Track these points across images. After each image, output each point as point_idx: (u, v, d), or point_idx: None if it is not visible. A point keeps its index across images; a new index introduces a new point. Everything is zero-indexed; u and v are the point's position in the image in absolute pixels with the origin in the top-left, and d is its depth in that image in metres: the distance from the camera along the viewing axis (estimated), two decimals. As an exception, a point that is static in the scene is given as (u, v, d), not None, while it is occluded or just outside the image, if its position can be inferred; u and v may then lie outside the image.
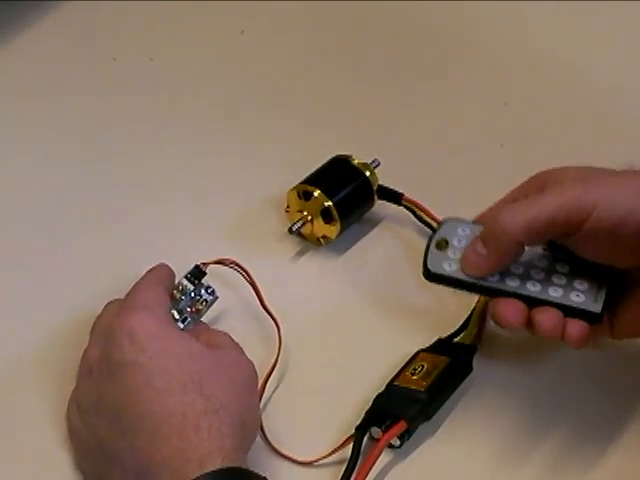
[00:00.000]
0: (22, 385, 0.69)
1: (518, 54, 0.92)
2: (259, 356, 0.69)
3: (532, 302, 0.64)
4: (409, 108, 0.88)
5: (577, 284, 0.64)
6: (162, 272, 0.70)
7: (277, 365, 0.70)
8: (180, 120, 0.86)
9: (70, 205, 0.80)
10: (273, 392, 0.70)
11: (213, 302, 0.71)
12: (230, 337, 0.68)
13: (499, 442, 0.68)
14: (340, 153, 0.79)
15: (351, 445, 0.66)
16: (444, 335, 0.72)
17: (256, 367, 0.67)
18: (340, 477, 0.64)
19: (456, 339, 0.72)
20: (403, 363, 0.70)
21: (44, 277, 0.75)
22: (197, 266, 0.71)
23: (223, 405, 0.62)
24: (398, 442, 0.67)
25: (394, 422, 0.66)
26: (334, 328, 0.74)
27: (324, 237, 0.77)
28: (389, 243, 0.79)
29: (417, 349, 0.71)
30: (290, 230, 0.77)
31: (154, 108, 0.87)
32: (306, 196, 0.77)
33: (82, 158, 0.83)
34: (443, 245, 0.66)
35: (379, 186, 0.79)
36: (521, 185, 0.67)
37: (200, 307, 0.70)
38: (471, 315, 0.72)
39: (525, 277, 0.65)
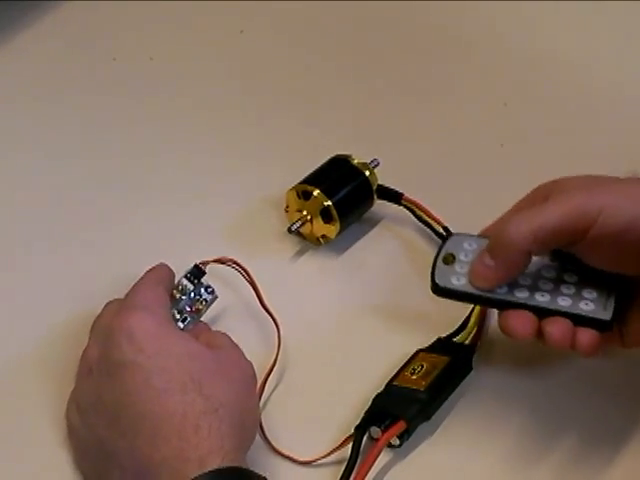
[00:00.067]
0: (22, 385, 0.69)
1: (518, 54, 0.92)
2: (258, 355, 0.69)
3: (541, 313, 0.64)
4: (409, 108, 0.88)
5: (586, 293, 0.65)
6: (162, 272, 0.70)
7: (276, 364, 0.70)
8: (180, 120, 0.86)
9: (70, 205, 0.80)
10: (272, 392, 0.70)
11: (213, 302, 0.71)
12: (230, 338, 0.68)
13: (498, 442, 0.68)
14: (339, 153, 0.79)
15: (350, 445, 0.66)
16: (443, 335, 0.72)
17: (255, 366, 0.67)
18: (339, 477, 0.64)
19: (455, 339, 0.72)
20: (402, 363, 0.70)
21: (44, 277, 0.76)
22: (196, 265, 0.71)
23: (223, 405, 0.62)
24: (397, 442, 0.67)
25: (393, 422, 0.66)
26: (333, 328, 0.74)
27: (323, 237, 0.78)
28: (389, 243, 0.79)
29: (416, 349, 0.71)
30: (289, 230, 0.77)
31: (154, 108, 0.87)
32: (305, 196, 0.77)
33: (82, 158, 0.83)
34: (450, 260, 0.67)
35: (379, 186, 0.79)
36: (526, 196, 0.67)
37: (200, 307, 0.70)
38: (470, 315, 0.72)
39: (533, 288, 0.65)
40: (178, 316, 0.69)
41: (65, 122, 0.86)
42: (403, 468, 0.67)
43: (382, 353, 0.71)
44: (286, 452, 0.67)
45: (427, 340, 0.72)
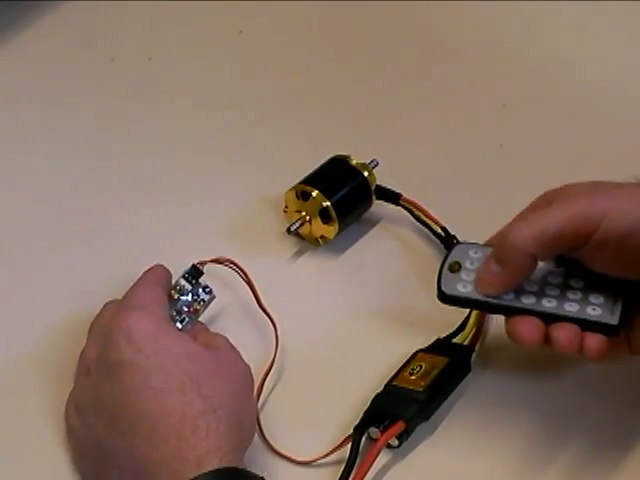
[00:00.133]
0: (20, 385, 0.69)
1: (518, 54, 0.92)
2: (256, 356, 0.69)
3: (549, 318, 0.64)
4: (407, 108, 0.88)
5: (592, 298, 0.65)
6: (159, 272, 0.70)
7: (274, 365, 0.70)
8: (179, 120, 0.86)
9: (69, 205, 0.80)
10: (271, 392, 0.70)
11: (210, 302, 0.71)
12: (228, 340, 0.68)
13: (497, 442, 0.68)
14: (338, 153, 0.79)
15: (349, 445, 0.66)
16: (442, 335, 0.72)
17: (253, 367, 0.67)
18: (338, 477, 0.64)
19: (454, 339, 0.72)
20: (401, 363, 0.70)
21: (43, 277, 0.76)
22: (194, 265, 0.71)
23: (221, 405, 0.62)
24: (396, 442, 0.67)
25: (392, 422, 0.66)
26: (332, 328, 0.74)
27: (322, 237, 0.78)
28: (387, 243, 0.79)
29: (415, 349, 0.71)
30: (288, 230, 0.77)
31: (153, 108, 0.87)
32: (304, 196, 0.77)
33: (81, 158, 0.83)
34: (456, 268, 0.67)
35: (377, 186, 0.79)
36: (530, 204, 0.67)
37: (198, 307, 0.70)
38: (469, 316, 0.72)
39: (540, 294, 0.65)
40: (176, 316, 0.70)
41: (65, 122, 0.86)
42: (402, 468, 0.67)
43: (381, 353, 0.71)
44: (285, 452, 0.67)
45: (426, 340, 0.72)
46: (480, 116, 0.88)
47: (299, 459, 0.66)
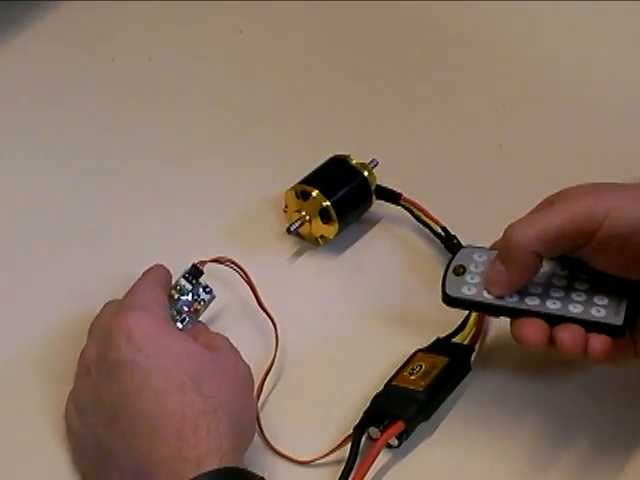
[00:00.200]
0: (20, 385, 0.69)
1: (517, 54, 0.92)
2: (256, 355, 0.69)
3: (553, 320, 0.64)
4: (407, 108, 0.88)
5: (597, 299, 0.65)
6: (159, 272, 0.70)
7: (274, 365, 0.70)
8: (178, 120, 0.86)
9: (69, 205, 0.80)
10: (271, 392, 0.70)
11: (211, 302, 0.71)
12: (228, 340, 0.68)
13: (497, 442, 0.68)
14: (338, 153, 0.79)
15: (349, 445, 0.66)
16: (442, 335, 0.72)
17: (253, 367, 0.67)
18: (338, 477, 0.64)
19: (454, 339, 0.72)
20: (401, 363, 0.70)
21: (43, 277, 0.76)
22: (194, 265, 0.71)
23: (221, 405, 0.62)
24: (396, 442, 0.67)
25: (392, 422, 0.66)
26: (332, 328, 0.74)
27: (322, 237, 0.78)
28: (387, 243, 0.79)
29: (415, 349, 0.71)
30: (288, 230, 0.77)
31: (153, 108, 0.87)
32: (304, 196, 0.77)
33: (81, 158, 0.83)
34: (460, 271, 0.67)
35: (377, 186, 0.79)
36: (533, 209, 0.67)
37: (198, 307, 0.70)
38: (469, 315, 0.72)
39: (544, 296, 0.65)
40: (177, 316, 0.70)
41: (64, 122, 0.86)
42: (402, 468, 0.67)
43: (381, 353, 0.71)
44: (285, 452, 0.67)
45: (426, 340, 0.72)
46: (480, 116, 0.88)
47: (299, 459, 0.66)
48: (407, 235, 0.79)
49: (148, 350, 0.63)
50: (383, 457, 0.66)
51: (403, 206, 0.79)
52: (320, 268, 0.77)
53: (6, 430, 0.67)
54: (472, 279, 0.67)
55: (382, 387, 0.69)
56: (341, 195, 0.77)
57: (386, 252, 0.78)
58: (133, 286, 0.68)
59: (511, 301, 0.65)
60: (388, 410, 0.67)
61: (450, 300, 0.67)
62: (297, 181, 0.78)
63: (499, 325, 0.72)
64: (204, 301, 0.71)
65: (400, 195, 0.79)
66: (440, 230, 0.77)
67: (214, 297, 0.71)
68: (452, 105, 0.88)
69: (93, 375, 0.64)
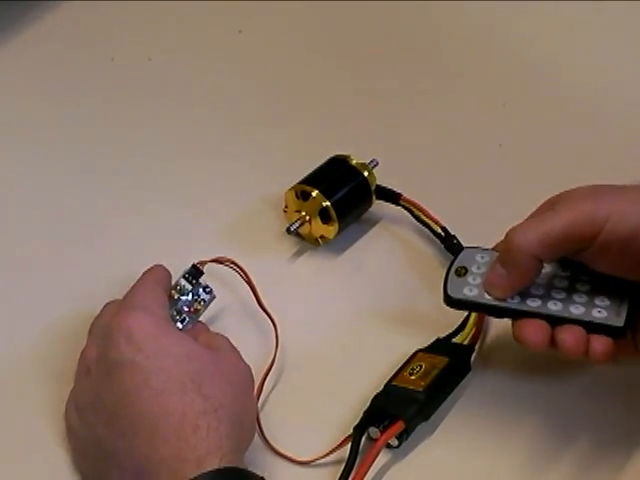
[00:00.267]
0: (20, 385, 0.69)
1: (517, 54, 0.92)
2: (256, 355, 0.69)
3: (554, 321, 0.64)
4: (407, 108, 0.88)
5: (598, 301, 0.65)
6: (159, 273, 0.70)
7: (274, 365, 0.70)
8: (178, 120, 0.86)
9: (69, 205, 0.80)
10: (271, 392, 0.70)
11: (211, 302, 0.71)
12: (228, 340, 0.68)
13: (497, 442, 0.68)
14: (338, 153, 0.79)
15: (349, 445, 0.66)
16: (442, 335, 0.72)
17: (253, 367, 0.67)
18: (338, 477, 0.64)
19: (454, 339, 0.72)
20: (401, 363, 0.70)
21: (43, 277, 0.76)
22: (194, 265, 0.71)
23: (222, 405, 0.62)
24: (396, 442, 0.67)
25: (392, 422, 0.66)
26: (332, 328, 0.74)
27: (322, 237, 0.78)
28: (387, 243, 0.79)
29: (415, 349, 0.71)
30: (288, 230, 0.77)
31: (153, 108, 0.87)
32: (304, 196, 0.77)
33: (81, 158, 0.84)
34: (462, 272, 0.67)
35: (377, 186, 0.79)
36: (534, 211, 0.67)
37: (198, 307, 0.70)
38: (469, 315, 0.72)
39: (546, 297, 0.65)
40: (177, 316, 0.70)
41: (64, 122, 0.86)
42: (402, 468, 0.67)
43: (381, 353, 0.71)
44: (285, 452, 0.67)
45: (426, 340, 0.72)
46: (480, 116, 0.88)
47: (299, 459, 0.66)
48: (407, 235, 0.79)
49: (148, 350, 0.63)
50: (383, 457, 0.66)
51: (403, 206, 0.79)
52: (320, 268, 0.77)
53: (6, 430, 0.67)
54: (474, 280, 0.67)
55: (382, 387, 0.69)
56: (341, 195, 0.77)
57: (386, 252, 0.78)
58: (133, 286, 0.68)
59: (513, 302, 0.65)
60: (388, 410, 0.67)
61: (452, 301, 0.67)
62: (297, 181, 0.78)
63: (499, 325, 0.72)
64: (204, 301, 0.71)
65: (400, 195, 0.79)
66: (440, 230, 0.77)
67: (214, 297, 0.71)
68: (452, 105, 0.88)
69: (93, 375, 0.64)
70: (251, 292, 0.72)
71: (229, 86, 0.89)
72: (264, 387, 0.69)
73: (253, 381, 0.67)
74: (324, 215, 0.76)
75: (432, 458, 0.67)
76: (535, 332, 0.64)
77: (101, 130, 0.85)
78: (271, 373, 0.69)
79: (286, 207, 0.78)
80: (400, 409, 0.67)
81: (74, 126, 0.86)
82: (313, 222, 0.77)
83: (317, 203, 0.76)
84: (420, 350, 0.71)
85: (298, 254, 0.78)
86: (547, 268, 0.66)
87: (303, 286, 0.76)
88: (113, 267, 0.75)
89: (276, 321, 0.71)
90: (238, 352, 0.67)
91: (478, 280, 0.67)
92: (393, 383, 0.69)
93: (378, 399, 0.68)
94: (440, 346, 0.71)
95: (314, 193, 0.76)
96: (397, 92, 0.89)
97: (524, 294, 0.65)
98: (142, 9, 0.94)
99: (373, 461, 0.65)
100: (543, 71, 0.91)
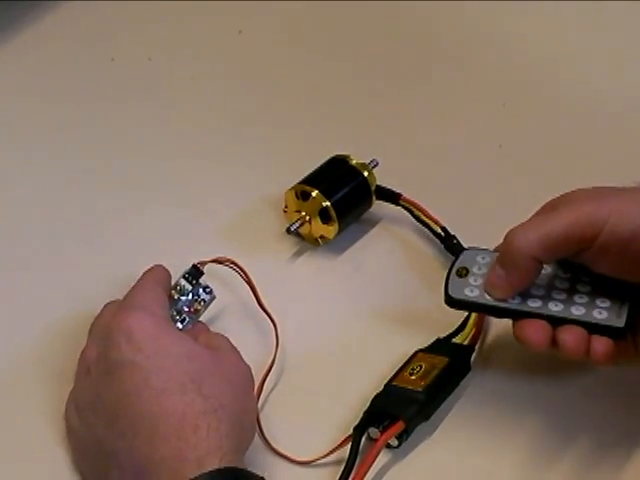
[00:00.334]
0: (20, 385, 0.69)
1: (517, 54, 0.92)
2: (256, 355, 0.69)
3: (555, 322, 0.64)
4: (407, 108, 0.88)
5: (599, 302, 0.65)
6: (159, 273, 0.70)
7: (274, 365, 0.70)
8: (178, 120, 0.86)
9: (69, 205, 0.80)
10: (271, 392, 0.70)
11: (211, 302, 0.71)
12: (229, 340, 0.68)
13: (497, 442, 0.68)
14: (338, 153, 0.79)
15: (349, 445, 0.66)
16: (442, 335, 0.72)
17: (253, 367, 0.67)
18: (338, 477, 0.64)
19: (454, 339, 0.72)
20: (401, 363, 0.70)
21: (43, 277, 0.76)
22: (195, 265, 0.71)
23: (222, 405, 0.62)
24: (396, 442, 0.67)
25: (392, 422, 0.66)
26: (332, 328, 0.74)
27: (322, 237, 0.78)
28: (387, 243, 0.79)
29: (415, 349, 0.71)
30: (288, 230, 0.77)
31: (152, 108, 0.87)
32: (304, 196, 0.77)
33: (81, 158, 0.84)
34: (463, 273, 0.67)
35: (377, 186, 0.79)
36: (535, 212, 0.67)
37: (198, 307, 0.70)
38: (469, 315, 0.72)
39: (547, 298, 0.65)
40: (177, 316, 0.70)
41: (64, 122, 0.86)
42: (402, 468, 0.67)
43: (381, 353, 0.71)
44: (284, 452, 0.67)
45: (426, 340, 0.72)
46: (480, 116, 0.88)
47: (299, 459, 0.66)
48: (407, 235, 0.79)
49: (148, 350, 0.63)
50: (383, 457, 0.66)
51: (403, 206, 0.79)
52: (320, 268, 0.77)
53: (6, 430, 0.67)
54: (475, 281, 0.67)
55: (382, 387, 0.69)
56: (341, 195, 0.77)
57: (386, 252, 0.78)
58: (133, 286, 0.68)
59: (514, 303, 0.65)
60: (388, 410, 0.67)
61: (453, 302, 0.67)
62: (297, 181, 0.78)
63: (499, 325, 0.72)
64: (204, 301, 0.71)
65: (400, 195, 0.79)
66: (440, 230, 0.77)
67: (214, 297, 0.71)
68: (452, 105, 0.88)
69: (93, 375, 0.64)
70: (251, 292, 0.72)
71: (229, 86, 0.89)
72: (264, 387, 0.69)
73: (253, 381, 0.67)
74: (324, 215, 0.76)
75: (432, 458, 0.67)
76: (536, 332, 0.64)
77: (101, 130, 0.85)
78: (271, 373, 0.69)
79: (286, 207, 0.78)
80: (400, 409, 0.67)
81: (74, 126, 0.86)
82: (313, 222, 0.77)
83: (317, 203, 0.76)
84: (420, 350, 0.71)
85: (298, 254, 0.78)
86: (548, 269, 0.66)
87: (303, 286, 0.76)
88: (113, 267, 0.75)
89: (276, 321, 0.71)
90: (238, 352, 0.67)
91: (479, 281, 0.67)
92: (393, 383, 0.69)
93: (378, 399, 0.68)
94: (440, 346, 0.71)
95: (314, 193, 0.76)
96: (397, 92, 0.89)
97: (525, 295, 0.65)
98: (142, 9, 0.94)
99: (373, 461, 0.65)
100: (543, 71, 0.91)
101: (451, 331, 0.72)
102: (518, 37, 0.94)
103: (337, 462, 0.66)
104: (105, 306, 0.69)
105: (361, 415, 0.67)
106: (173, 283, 0.71)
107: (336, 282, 0.76)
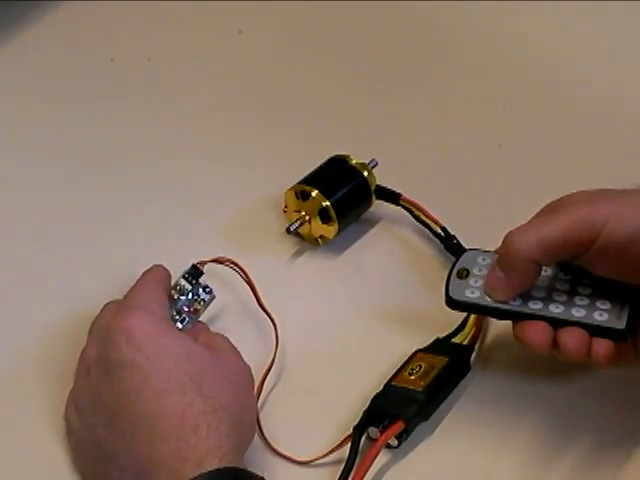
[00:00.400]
0: (20, 385, 0.69)
1: (517, 55, 0.92)
2: (256, 355, 0.69)
3: (556, 324, 0.64)
4: (407, 108, 0.88)
5: (599, 304, 0.65)
6: (159, 273, 0.70)
7: (274, 364, 0.70)
8: (178, 120, 0.86)
9: (69, 205, 0.80)
10: (271, 391, 0.70)
11: (211, 302, 0.71)
12: (229, 340, 0.68)
13: (497, 441, 0.68)
14: (338, 153, 0.79)
15: (349, 445, 0.66)
16: (442, 335, 0.72)
17: (253, 367, 0.67)
18: (338, 477, 0.64)
19: (454, 339, 0.72)
20: (401, 363, 0.70)
21: (43, 277, 0.76)
22: (194, 265, 0.71)
23: (222, 405, 0.62)
24: (396, 442, 0.67)
25: (392, 422, 0.66)
26: (332, 328, 0.74)
27: (322, 237, 0.78)
28: (387, 243, 0.79)
29: (415, 349, 0.71)
30: (288, 230, 0.77)
31: (152, 108, 0.87)
32: (304, 196, 0.77)
33: (81, 158, 0.83)
34: (464, 274, 0.67)
35: (377, 186, 0.79)
36: (535, 215, 0.67)
37: (198, 307, 0.70)
38: (469, 315, 0.72)
39: (547, 300, 0.65)
40: (177, 316, 0.70)
41: (64, 122, 0.86)
42: (401, 468, 0.67)
43: (380, 353, 0.71)
44: (284, 452, 0.67)
45: (426, 340, 0.72)
46: (480, 116, 0.88)
47: (299, 459, 0.66)
48: (407, 235, 0.79)
49: (148, 350, 0.63)
50: (383, 457, 0.66)
51: (403, 206, 0.79)
52: (320, 268, 0.77)
53: (6, 430, 0.67)
54: (475, 282, 0.67)
55: (382, 387, 0.69)
56: (341, 195, 0.77)
57: (386, 252, 0.78)
58: (133, 286, 0.68)
59: (514, 305, 0.65)
60: (388, 410, 0.67)
61: (453, 303, 0.67)
62: (297, 181, 0.78)
63: (499, 325, 0.72)
64: (204, 301, 0.71)
65: (400, 195, 0.79)
66: (440, 230, 0.77)
67: (214, 297, 0.71)
68: (452, 105, 0.88)
69: (93, 375, 0.64)
70: (251, 292, 0.72)
71: (229, 86, 0.89)
72: (264, 387, 0.69)
73: (253, 381, 0.67)
74: (324, 215, 0.76)
75: (432, 458, 0.67)
76: (537, 333, 0.64)
77: (101, 130, 0.85)
78: (271, 373, 0.69)
79: (286, 207, 0.78)
80: (400, 409, 0.67)
81: (74, 126, 0.86)
82: (313, 222, 0.77)
83: (317, 203, 0.76)
84: (420, 350, 0.71)
85: (298, 254, 0.78)
86: (548, 271, 0.66)
87: (303, 286, 0.76)
88: (113, 267, 0.75)
89: (276, 321, 0.71)
90: (238, 352, 0.67)
91: (479, 282, 0.67)
92: (393, 383, 0.69)
93: (378, 399, 0.68)
94: (440, 346, 0.71)
95: (314, 193, 0.76)
96: (397, 92, 0.89)
97: (526, 297, 0.65)
98: (142, 9, 0.94)
99: (373, 461, 0.65)
100: (543, 71, 0.91)
101: (451, 331, 0.72)
102: (518, 37, 0.94)
103: (337, 462, 0.66)
104: (105, 306, 0.69)
105: (361, 415, 0.67)
106: (173, 283, 0.71)
107: (336, 282, 0.76)
